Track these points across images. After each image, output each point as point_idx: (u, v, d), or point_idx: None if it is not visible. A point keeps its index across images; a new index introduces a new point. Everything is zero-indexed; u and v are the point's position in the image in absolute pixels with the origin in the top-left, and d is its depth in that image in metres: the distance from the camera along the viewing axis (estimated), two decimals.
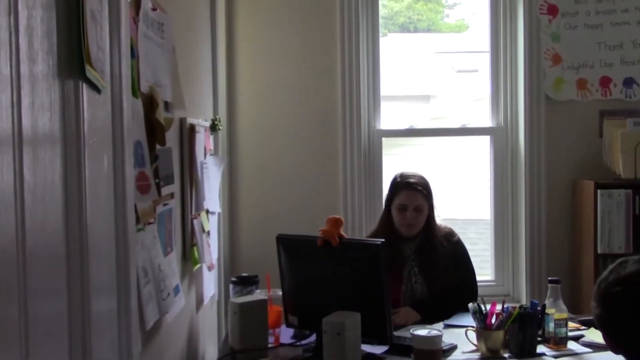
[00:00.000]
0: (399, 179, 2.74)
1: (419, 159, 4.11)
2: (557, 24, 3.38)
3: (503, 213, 3.53)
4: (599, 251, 3.11)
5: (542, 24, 3.38)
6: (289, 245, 2.36)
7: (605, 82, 3.39)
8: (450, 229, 2.84)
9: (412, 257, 2.70)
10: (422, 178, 2.75)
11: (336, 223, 2.23)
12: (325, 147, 3.41)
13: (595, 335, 2.24)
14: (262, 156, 3.41)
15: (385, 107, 3.56)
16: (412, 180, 2.70)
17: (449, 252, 2.74)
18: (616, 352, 1.54)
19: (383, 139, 3.50)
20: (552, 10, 3.38)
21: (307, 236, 2.33)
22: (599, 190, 3.11)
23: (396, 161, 4.15)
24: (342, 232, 2.26)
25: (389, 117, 3.68)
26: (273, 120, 3.41)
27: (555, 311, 2.19)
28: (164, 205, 1.90)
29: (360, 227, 3.38)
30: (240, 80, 3.41)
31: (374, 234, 2.76)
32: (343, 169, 3.38)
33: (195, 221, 2.33)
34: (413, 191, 2.68)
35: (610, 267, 1.56)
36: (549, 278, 2.33)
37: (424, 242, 2.71)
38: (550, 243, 3.40)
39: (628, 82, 3.39)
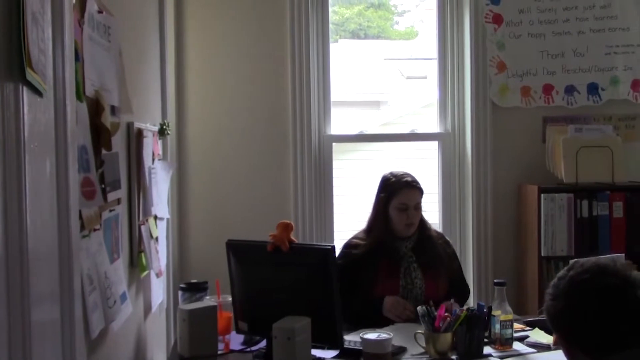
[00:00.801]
0: (394, 179, 2.68)
1: (369, 164, 4.14)
2: (502, 32, 3.46)
3: (451, 217, 3.59)
4: (542, 254, 3.20)
5: (487, 32, 3.46)
6: (238, 250, 2.35)
7: (547, 89, 3.49)
8: (436, 229, 2.88)
9: (408, 254, 2.66)
10: (412, 175, 2.72)
11: (286, 228, 2.22)
12: (276, 152, 3.41)
13: (539, 336, 2.31)
14: (211, 161, 3.39)
15: (335, 113, 3.58)
16: (409, 179, 2.67)
17: (450, 253, 2.79)
18: (570, 348, 1.50)
19: (333, 144, 3.52)
20: (497, 20, 3.46)
21: (257, 241, 2.32)
22: (542, 195, 3.20)
23: (346, 166, 4.18)
24: (293, 237, 2.25)
25: (339, 122, 3.70)
26: (223, 125, 3.39)
27: (501, 313, 2.24)
28: (111, 211, 1.86)
29: (311, 231, 3.39)
30: (190, 85, 3.38)
31: (367, 235, 2.71)
32: (293, 174, 3.38)
33: (143, 227, 2.29)
34: (413, 189, 2.65)
35: (566, 267, 1.55)
36: (494, 280, 2.37)
37: (421, 239, 2.69)
38: (496, 246, 3.48)
39: (569, 90, 3.50)
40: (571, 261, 2.24)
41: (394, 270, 2.64)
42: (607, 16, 3.51)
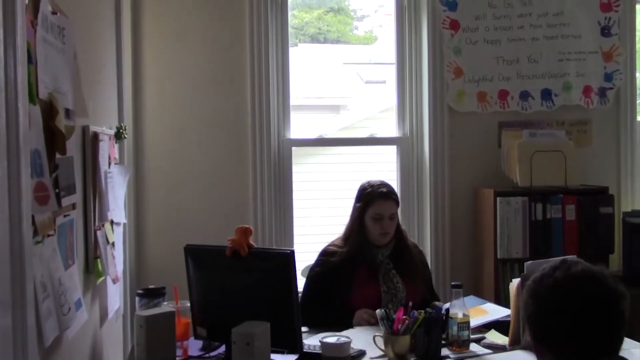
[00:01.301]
0: (370, 189, 2.73)
1: (328, 168, 4.15)
2: (459, 38, 3.52)
3: (409, 220, 3.62)
4: (498, 256, 3.26)
5: (444, 38, 3.51)
6: (197, 255, 2.32)
7: (503, 94, 3.56)
8: (413, 240, 2.96)
9: (385, 261, 2.71)
10: (390, 186, 2.77)
11: (245, 232, 2.21)
12: (235, 156, 3.39)
13: (495, 337, 2.34)
14: (169, 165, 3.35)
15: (295, 117, 3.58)
16: (384, 189, 2.72)
17: (424, 263, 2.87)
18: (541, 349, 1.46)
19: (293, 148, 3.53)
20: (454, 26, 3.52)
21: (216, 246, 2.30)
22: (498, 198, 3.25)
23: (306, 170, 4.18)
24: (252, 242, 2.24)
25: (299, 126, 3.70)
26: (181, 129, 3.36)
27: (459, 315, 2.27)
28: (65, 216, 1.83)
29: (270, 236, 3.38)
30: (147, 88, 3.34)
31: (345, 243, 2.73)
32: (253, 178, 3.37)
33: (98, 232, 2.25)
34: (388, 200, 2.70)
35: (552, 263, 1.48)
36: (452, 283, 2.40)
37: (397, 247, 2.75)
38: (453, 249, 3.53)
39: (524, 95, 3.58)
40: (526, 264, 2.31)
41: (372, 277, 2.67)
42: (559, 24, 3.60)
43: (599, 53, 3.64)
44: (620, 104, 3.69)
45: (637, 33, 3.78)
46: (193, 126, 3.36)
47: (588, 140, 3.67)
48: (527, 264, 2.42)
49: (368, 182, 2.77)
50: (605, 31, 3.64)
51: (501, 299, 3.15)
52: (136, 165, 3.29)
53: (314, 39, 7.09)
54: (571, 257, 1.50)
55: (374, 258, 2.69)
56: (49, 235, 1.63)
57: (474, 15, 3.53)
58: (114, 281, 2.49)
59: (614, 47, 3.64)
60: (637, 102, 3.81)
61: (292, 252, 2.18)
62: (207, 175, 3.37)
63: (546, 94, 3.59)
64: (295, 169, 3.55)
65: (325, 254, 2.72)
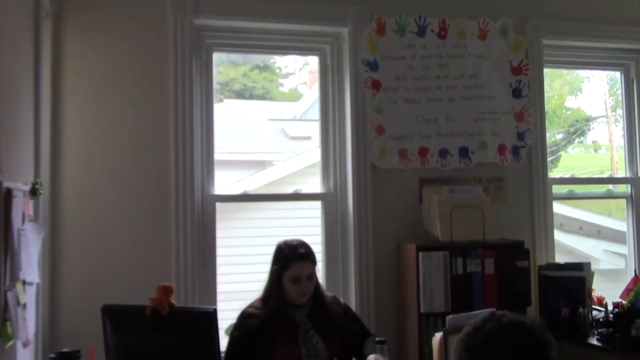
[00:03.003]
0: (287, 250, 2.71)
1: (253, 223, 4.12)
2: (381, 97, 3.63)
3: (334, 275, 3.63)
4: (421, 311, 3.29)
5: (367, 97, 3.61)
6: (115, 315, 2.24)
7: (423, 152, 3.68)
8: (332, 293, 2.95)
9: (304, 321, 2.69)
10: (308, 245, 2.77)
11: (166, 291, 2.17)
12: (157, 212, 3.31)
13: None
14: (87, 221, 3.24)
15: (220, 173, 3.56)
16: (302, 250, 2.71)
17: (341, 313, 2.84)
18: None
19: (217, 204, 3.49)
20: (376, 85, 3.63)
21: (135, 306, 2.23)
22: (420, 253, 3.31)
23: (230, 226, 4.14)
24: (173, 301, 2.19)
25: (224, 182, 3.68)
26: (101, 185, 3.27)
27: None
28: None
29: (193, 294, 3.30)
30: (67, 142, 3.25)
31: (263, 304, 2.70)
32: (175, 235, 3.30)
33: (9, 293, 2.14)
34: (305, 261, 2.69)
35: (482, 316, 1.53)
36: (376, 339, 2.41)
37: (316, 306, 2.73)
38: (378, 304, 3.55)
39: (443, 153, 3.71)
40: (447, 318, 2.35)
41: (292, 338, 2.65)
42: (475, 85, 3.78)
43: (512, 113, 3.83)
44: (532, 161, 3.88)
45: (545, 95, 4.01)
46: (114, 181, 3.28)
47: (504, 196, 3.82)
48: (448, 318, 2.47)
49: (285, 243, 2.76)
50: (516, 93, 3.85)
51: (425, 354, 3.18)
52: (52, 222, 3.16)
53: (240, 95, 7.15)
54: (500, 311, 1.55)
55: (293, 319, 2.68)
56: None
57: (395, 76, 3.66)
58: (25, 345, 2.35)
59: (525, 107, 3.85)
60: (548, 159, 4.01)
61: (215, 311, 2.15)
62: (127, 232, 3.27)
63: (464, 152, 3.74)
64: (219, 225, 3.51)
65: (243, 317, 2.68)
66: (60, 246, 3.19)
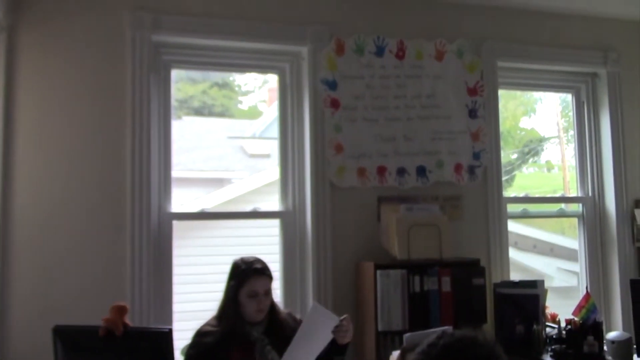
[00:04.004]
0: (244, 266, 2.71)
1: (211, 242, 4.09)
2: (339, 116, 3.66)
3: (292, 293, 3.61)
4: (379, 329, 3.30)
5: (326, 115, 3.63)
6: (67, 337, 2.18)
7: (381, 170, 3.71)
8: (287, 309, 2.95)
9: (260, 337, 2.67)
10: (264, 262, 2.77)
11: (120, 311, 2.12)
12: (112, 230, 3.25)
13: None
14: (39, 239, 3.15)
15: (178, 191, 3.52)
16: (258, 266, 2.72)
17: (293, 330, 2.78)
18: None
19: (174, 222, 3.45)
20: (335, 104, 3.66)
21: (88, 326, 2.18)
22: (378, 271, 3.33)
23: (188, 245, 4.09)
24: (127, 321, 2.15)
25: (181, 200, 3.64)
26: (55, 203, 3.19)
27: None
28: None
29: (149, 314, 3.24)
30: (19, 158, 3.17)
31: (219, 321, 2.68)
32: (131, 254, 3.24)
33: None
34: (262, 277, 2.70)
35: (436, 335, 1.56)
36: (334, 357, 2.40)
37: (272, 322, 2.73)
38: None
39: (401, 172, 3.74)
40: (405, 336, 2.36)
41: (249, 354, 2.63)
42: (432, 105, 3.84)
43: (468, 133, 3.90)
44: (487, 180, 3.95)
45: (500, 115, 4.10)
46: (67, 199, 3.21)
47: (460, 214, 3.88)
48: (406, 335, 2.48)
49: (241, 259, 2.77)
50: (472, 113, 3.93)
51: None
52: (3, 241, 3.07)
53: (199, 112, 7.11)
54: (444, 329, 1.60)
55: (249, 336, 2.66)
56: None
57: (354, 95, 3.69)
58: None
59: (480, 128, 3.93)
60: (503, 179, 4.09)
61: (170, 331, 2.11)
62: (81, 251, 3.20)
63: (421, 171, 3.78)
64: (176, 243, 3.46)
65: (199, 335, 2.66)
66: (9, 264, 3.10)
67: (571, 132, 4.59)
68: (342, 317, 2.58)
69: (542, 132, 7.47)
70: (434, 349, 1.53)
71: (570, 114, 4.55)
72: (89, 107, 3.28)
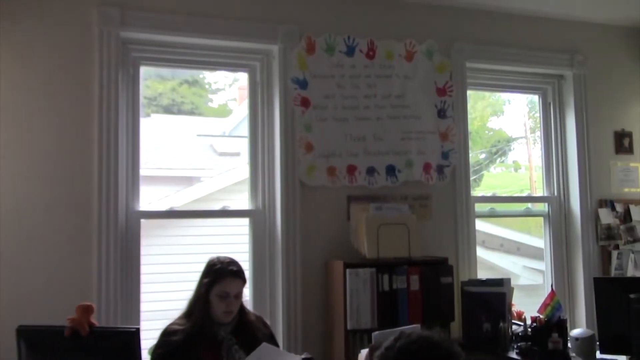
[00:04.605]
0: (219, 266, 2.70)
1: (180, 241, 4.05)
2: (310, 115, 3.66)
3: (261, 292, 3.60)
4: (348, 327, 3.31)
5: (296, 114, 3.63)
6: (31, 337, 2.15)
7: (351, 170, 3.72)
8: (258, 314, 2.95)
9: (228, 337, 2.67)
10: (239, 263, 2.76)
11: (86, 310, 2.09)
12: (79, 229, 3.20)
13: None
14: (3, 239, 3.09)
15: (146, 189, 3.49)
16: (234, 268, 2.71)
17: (268, 334, 2.84)
18: None
19: (142, 220, 3.41)
20: (305, 103, 3.66)
21: (53, 326, 2.15)
22: (347, 270, 3.34)
23: (156, 244, 4.05)
24: (93, 320, 2.12)
25: (150, 198, 3.61)
26: (18, 201, 3.13)
27: None
28: None
29: (116, 313, 3.20)
30: None
31: (187, 319, 2.66)
32: (98, 253, 3.20)
33: None
34: (236, 279, 2.69)
35: (394, 336, 1.59)
36: (302, 357, 2.41)
37: (240, 323, 2.72)
38: (305, 321, 3.54)
39: (370, 171, 3.76)
40: (373, 335, 2.38)
41: (216, 353, 2.62)
42: (401, 105, 3.87)
43: (437, 133, 3.94)
44: (456, 180, 3.99)
45: (469, 116, 4.15)
46: (34, 195, 3.15)
47: (429, 214, 3.91)
48: (374, 334, 2.49)
49: (217, 259, 2.76)
50: (441, 113, 3.97)
51: None
52: None
53: (168, 110, 7.04)
54: (411, 328, 1.62)
55: (216, 335, 2.65)
56: None
57: (324, 94, 3.70)
58: None
59: (449, 128, 3.97)
60: (471, 178, 4.14)
61: (138, 330, 2.10)
62: (46, 249, 3.14)
63: (390, 170, 3.81)
64: (144, 242, 3.43)
65: (166, 334, 2.64)
66: None
67: (538, 133, 4.67)
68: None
69: (509, 132, 7.57)
70: (391, 352, 1.56)
71: (537, 115, 4.62)
72: (56, 105, 3.22)
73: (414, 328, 2.91)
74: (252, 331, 2.73)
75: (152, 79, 4.91)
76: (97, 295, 3.16)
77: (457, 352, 1.55)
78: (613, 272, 4.30)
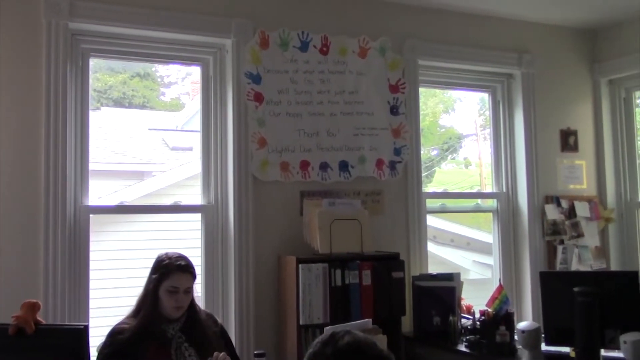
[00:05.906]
0: (167, 261, 2.67)
1: (130, 236, 4.00)
2: (263, 110, 3.65)
3: (213, 288, 3.58)
4: (301, 322, 3.32)
5: (249, 109, 3.61)
6: None
7: (304, 165, 3.73)
8: (209, 311, 2.94)
9: (177, 335, 2.64)
10: (188, 259, 2.73)
11: (32, 308, 2.05)
12: (25, 224, 3.11)
13: None
14: None
15: (96, 183, 3.42)
16: (182, 262, 2.68)
17: (219, 332, 2.81)
18: None
19: (91, 215, 3.35)
20: (258, 98, 3.64)
21: None
22: (300, 265, 3.34)
23: (105, 239, 3.98)
24: (39, 318, 2.07)
25: (99, 193, 3.54)
26: None
27: None
28: None
29: (63, 310, 3.13)
30: None
31: (135, 317, 2.63)
32: (44, 248, 3.12)
33: None
34: (185, 274, 2.66)
35: (322, 338, 1.56)
36: (255, 352, 2.41)
37: (189, 320, 2.70)
38: (258, 316, 3.54)
39: (323, 166, 3.77)
40: (326, 329, 2.39)
41: (165, 353, 2.59)
42: (354, 101, 3.89)
43: (389, 130, 3.98)
44: (408, 176, 4.04)
45: (421, 112, 4.20)
46: None
47: (381, 209, 3.95)
48: (326, 329, 2.50)
49: (166, 254, 2.74)
50: (393, 110, 4.01)
51: None
52: None
53: (118, 103, 6.92)
54: (340, 330, 1.59)
55: (165, 333, 2.63)
56: None
57: (277, 89, 3.69)
58: None
59: (401, 124, 4.01)
60: (423, 174, 4.19)
61: (86, 328, 2.06)
62: None
63: (343, 166, 3.83)
64: (93, 238, 3.36)
65: (113, 334, 2.60)
66: None
67: (488, 130, 4.76)
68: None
69: (460, 129, 7.72)
70: (319, 358, 1.52)
71: (487, 112, 4.72)
72: (1, 97, 3.12)
73: (365, 322, 2.95)
74: (202, 329, 2.72)
75: (102, 72, 4.81)
76: (44, 292, 3.08)
77: (388, 356, 1.54)
78: (558, 267, 4.43)
